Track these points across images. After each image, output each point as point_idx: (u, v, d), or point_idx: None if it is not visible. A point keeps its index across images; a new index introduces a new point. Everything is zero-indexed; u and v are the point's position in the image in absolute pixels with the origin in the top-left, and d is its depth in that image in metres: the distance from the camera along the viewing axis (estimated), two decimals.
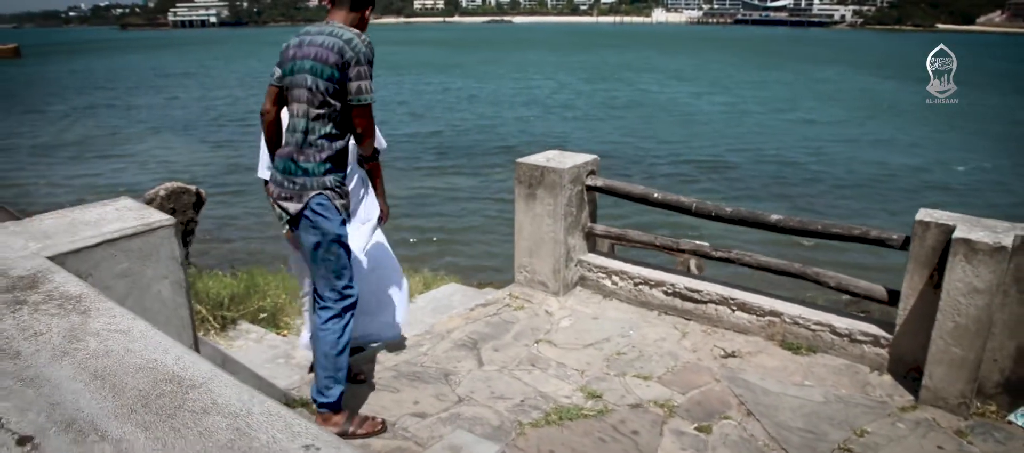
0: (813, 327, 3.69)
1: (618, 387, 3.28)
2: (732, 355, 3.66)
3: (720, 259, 4.08)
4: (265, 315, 4.90)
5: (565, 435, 2.86)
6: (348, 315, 2.81)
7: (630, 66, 47.52)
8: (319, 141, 2.62)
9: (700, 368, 3.51)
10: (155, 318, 1.24)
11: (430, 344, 3.73)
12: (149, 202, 10.04)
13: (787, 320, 3.75)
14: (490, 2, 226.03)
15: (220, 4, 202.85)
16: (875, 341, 3.51)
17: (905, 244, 3.32)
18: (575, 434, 2.87)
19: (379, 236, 3.36)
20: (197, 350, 1.43)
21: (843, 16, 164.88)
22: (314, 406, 2.85)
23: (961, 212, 3.31)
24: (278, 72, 2.72)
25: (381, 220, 3.32)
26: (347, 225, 2.79)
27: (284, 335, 4.80)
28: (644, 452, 2.77)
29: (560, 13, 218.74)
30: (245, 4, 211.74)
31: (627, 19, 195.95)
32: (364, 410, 3.04)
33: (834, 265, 8.76)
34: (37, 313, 0.85)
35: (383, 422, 2.89)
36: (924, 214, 3.27)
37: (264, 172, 2.99)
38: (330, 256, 2.71)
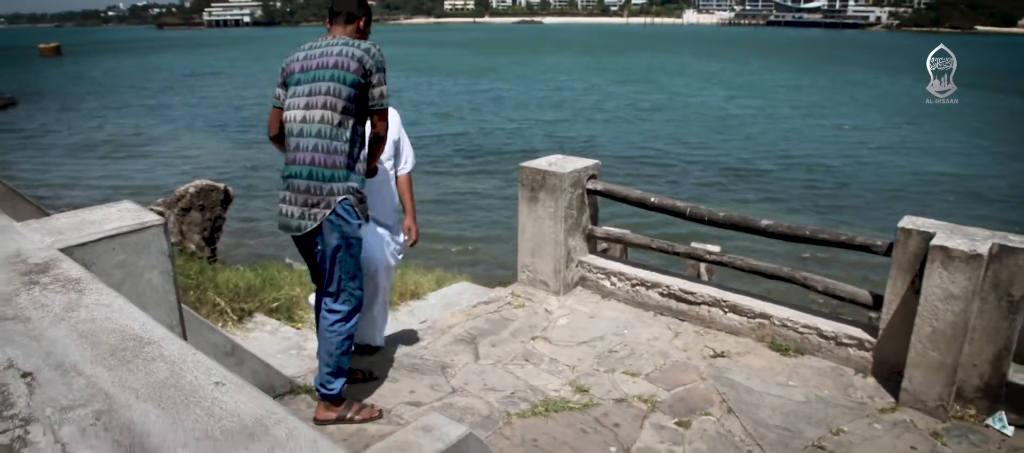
0: (801, 330, 3.80)
1: (606, 383, 3.43)
2: (721, 355, 3.78)
3: (714, 262, 4.21)
4: (278, 306, 5.12)
5: (549, 426, 3.02)
6: (355, 318, 2.99)
7: (662, 68, 47.23)
8: (343, 147, 2.76)
9: (688, 367, 3.64)
10: (147, 300, 1.44)
11: (431, 338, 3.91)
12: (179, 199, 10.42)
13: (776, 322, 3.87)
14: (520, 2, 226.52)
15: (254, 4, 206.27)
16: (860, 344, 3.61)
17: (889, 250, 3.42)
18: (559, 425, 3.03)
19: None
20: (182, 327, 1.64)
21: (879, 18, 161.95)
22: (318, 394, 3.05)
23: (993, 226, 3.37)
24: (280, 93, 2.88)
25: (411, 241, 3.54)
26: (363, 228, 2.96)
27: (298, 328, 5.03)
28: (623, 443, 2.92)
29: (590, 13, 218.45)
30: (278, 4, 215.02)
31: (657, 20, 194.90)
32: (364, 398, 3.24)
33: (845, 265, 8.77)
34: (45, 291, 1.09)
35: (380, 410, 3.08)
36: (907, 221, 3.37)
37: None
38: (349, 258, 2.87)
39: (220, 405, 0.85)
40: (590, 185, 4.49)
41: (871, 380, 3.54)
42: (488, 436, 2.92)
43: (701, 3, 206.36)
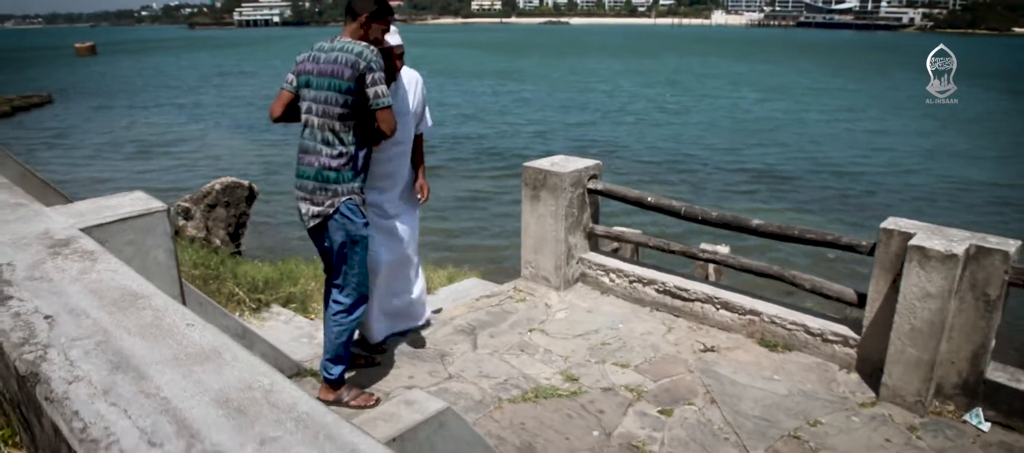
0: (789, 326, 3.92)
1: (595, 373, 3.60)
2: (711, 350, 3.92)
3: (706, 260, 4.35)
4: (294, 298, 5.35)
5: (537, 410, 3.20)
6: (358, 310, 3.19)
7: (690, 70, 46.88)
8: (347, 149, 2.96)
9: (677, 360, 3.79)
10: (152, 273, 1.67)
11: (433, 329, 4.11)
12: (205, 195, 10.76)
13: (766, 319, 4.00)
14: (547, 3, 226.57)
15: (283, 4, 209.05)
16: (845, 341, 3.73)
17: (872, 250, 3.54)
18: (547, 410, 3.20)
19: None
20: (182, 296, 1.86)
21: (912, 19, 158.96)
22: (322, 377, 3.27)
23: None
24: (293, 79, 3.08)
25: (423, 199, 3.70)
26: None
27: (311, 318, 5.25)
28: (605, 428, 3.09)
29: (617, 14, 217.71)
30: (307, 4, 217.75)
31: (685, 21, 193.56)
32: (365, 382, 3.44)
33: (848, 263, 8.69)
34: (66, 260, 1.35)
35: (377, 399, 3.28)
36: (889, 222, 3.49)
37: None
38: (354, 255, 3.05)
39: (188, 339, 1.06)
40: (590, 185, 4.65)
41: (854, 376, 3.66)
42: (478, 418, 3.11)
43: (730, 4, 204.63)
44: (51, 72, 49.90)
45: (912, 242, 3.23)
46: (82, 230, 1.52)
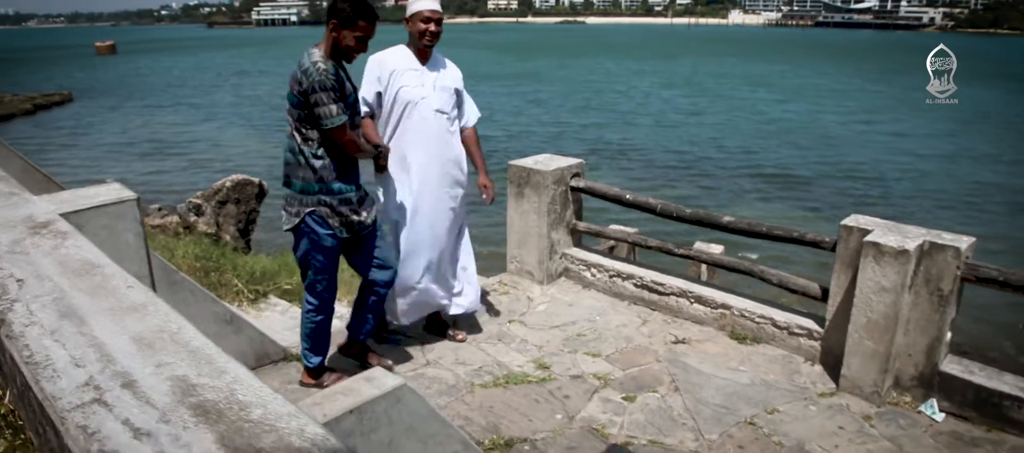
0: (757, 320, 4.07)
1: (567, 361, 3.77)
2: (682, 341, 4.08)
3: (681, 256, 4.50)
4: (291, 289, 5.56)
5: (506, 395, 3.37)
6: (319, 316, 3.27)
7: (707, 71, 46.55)
8: (310, 161, 2.95)
9: (648, 351, 3.95)
10: (123, 253, 1.89)
11: (417, 320, 4.29)
12: (216, 192, 11.03)
13: (736, 313, 4.14)
14: (563, 2, 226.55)
15: (300, 3, 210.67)
16: (809, 334, 3.87)
17: (835, 247, 3.68)
18: (515, 395, 3.38)
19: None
20: (151, 275, 2.06)
21: (932, 19, 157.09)
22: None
23: None
24: None
25: (489, 198, 3.78)
26: (347, 234, 3.13)
27: None
28: (569, 412, 3.26)
29: (634, 13, 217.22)
30: (324, 4, 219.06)
31: (702, 20, 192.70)
32: (346, 369, 3.63)
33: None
34: (42, 238, 1.61)
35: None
36: (850, 219, 3.63)
37: None
38: (315, 263, 3.13)
39: (125, 296, 1.28)
40: (573, 182, 4.82)
41: (818, 368, 3.80)
42: (450, 402, 3.29)
43: (747, 3, 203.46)
44: (72, 71, 50.81)
45: (867, 238, 3.37)
46: (61, 215, 1.74)
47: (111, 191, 2.04)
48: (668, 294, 4.44)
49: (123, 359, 1.06)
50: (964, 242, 3.31)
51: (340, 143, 2.95)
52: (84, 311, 1.23)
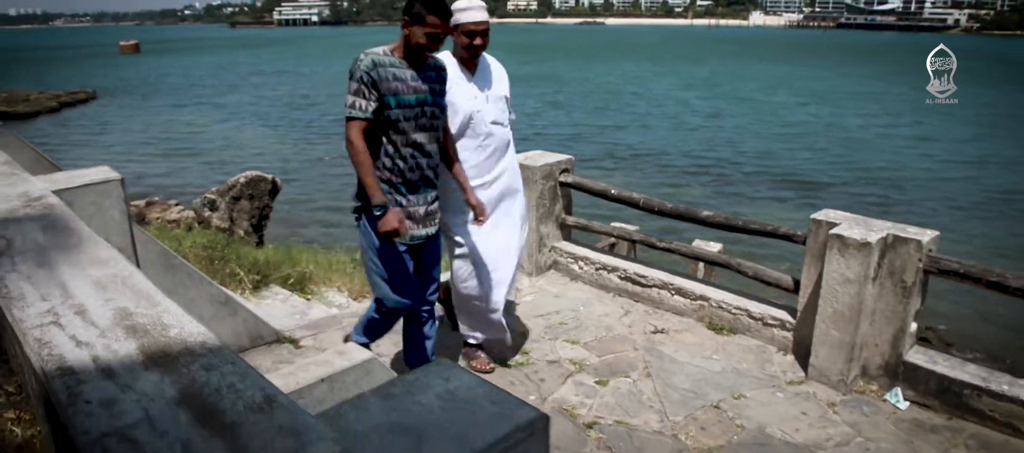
0: (734, 311, 4.20)
1: (546, 348, 3.93)
2: (661, 331, 4.22)
3: (664, 249, 4.64)
4: (294, 279, 5.77)
5: (484, 377, 3.53)
6: (379, 314, 3.17)
7: (729, 73, 46.16)
8: (379, 159, 2.89)
9: (626, 339, 4.09)
10: (109, 227, 2.13)
11: None
12: (231, 188, 11.30)
13: (713, 304, 4.28)
14: (583, 3, 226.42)
15: (322, 4, 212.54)
16: (782, 325, 4.00)
17: (805, 240, 3.80)
18: (492, 377, 3.54)
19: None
20: (133, 246, 2.28)
21: (957, 20, 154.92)
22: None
23: None
24: None
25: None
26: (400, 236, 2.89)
27: (307, 299, 5.67)
28: (543, 394, 3.42)
29: (654, 14, 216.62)
30: (345, 4, 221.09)
31: (723, 22, 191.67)
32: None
33: None
34: (34, 209, 1.86)
35: None
36: (820, 214, 3.75)
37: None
38: (369, 264, 3.04)
39: (93, 253, 1.53)
40: (562, 178, 4.97)
41: (790, 357, 3.93)
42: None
43: (768, 4, 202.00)
44: (97, 70, 51.82)
45: (833, 231, 3.50)
46: (54, 192, 1.98)
47: (99, 173, 2.27)
48: (650, 286, 4.58)
49: (80, 296, 1.31)
50: (927, 235, 3.42)
51: (347, 135, 2.77)
52: (56, 262, 1.49)
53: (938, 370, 3.47)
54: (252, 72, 49.41)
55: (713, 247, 7.83)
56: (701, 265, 7.51)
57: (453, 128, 3.27)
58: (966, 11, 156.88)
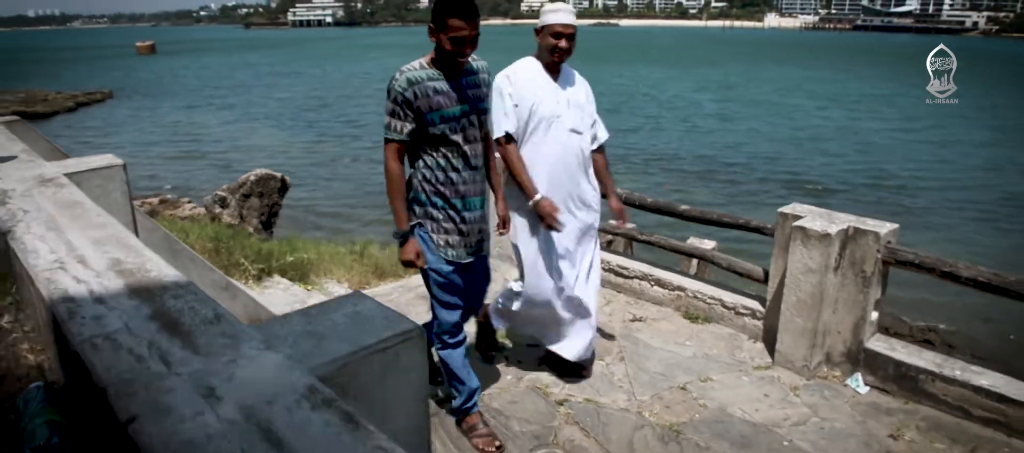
0: (709, 301, 4.40)
1: (527, 334, 4.14)
2: (639, 319, 4.43)
3: (645, 242, 4.85)
4: (296, 270, 6.03)
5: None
6: (437, 339, 3.09)
7: (746, 76, 45.93)
8: (410, 172, 2.82)
9: (605, 326, 4.30)
10: (112, 206, 2.42)
11: (397, 294, 4.72)
12: (241, 186, 11.60)
13: (690, 294, 4.48)
14: (597, 4, 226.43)
15: (336, 5, 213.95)
16: (753, 314, 4.20)
17: (774, 233, 4.00)
18: (473, 358, 3.77)
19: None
20: (134, 223, 2.55)
21: (975, 22, 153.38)
22: None
23: None
24: None
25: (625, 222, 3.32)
26: (454, 253, 2.87)
27: (308, 289, 5.93)
28: (519, 374, 3.64)
29: (668, 16, 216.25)
30: (359, 5, 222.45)
31: (737, 23, 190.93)
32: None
33: None
34: (46, 188, 2.21)
35: (499, 445, 3.07)
36: (788, 207, 3.95)
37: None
38: (431, 285, 2.95)
39: (94, 221, 1.84)
40: None
41: (759, 344, 4.12)
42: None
43: (783, 6, 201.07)
44: (113, 70, 52.66)
45: (796, 223, 3.70)
46: (65, 175, 2.26)
47: (104, 159, 2.56)
48: (632, 277, 4.79)
49: (81, 249, 1.67)
50: (885, 228, 3.61)
51: (385, 156, 2.70)
52: (64, 226, 1.85)
53: (896, 356, 3.66)
54: (266, 73, 50.03)
55: (707, 244, 8.04)
56: (694, 261, 7.73)
57: (530, 132, 3.18)
58: (984, 13, 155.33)
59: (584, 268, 3.46)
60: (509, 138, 3.17)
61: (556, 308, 3.41)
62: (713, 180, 16.79)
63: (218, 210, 10.82)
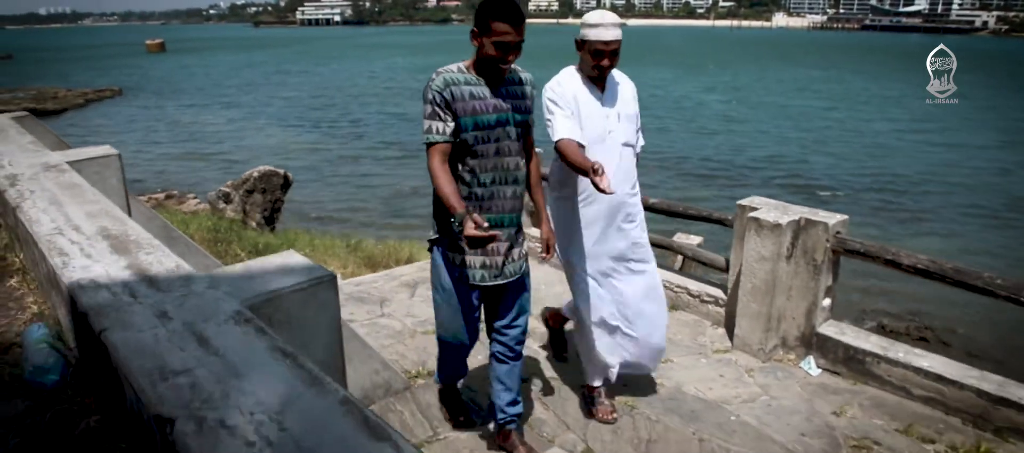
0: (675, 289, 4.65)
1: None
2: None
3: None
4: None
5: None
6: (442, 351, 3.14)
7: (754, 76, 45.85)
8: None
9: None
10: (109, 191, 2.71)
11: (383, 282, 4.99)
12: (244, 182, 11.89)
13: None
14: (605, 4, 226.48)
15: (344, 4, 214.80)
16: (716, 301, 4.44)
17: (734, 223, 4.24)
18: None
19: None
20: (128, 207, 2.84)
21: (985, 22, 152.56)
22: None
23: None
24: None
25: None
26: (471, 272, 2.71)
27: None
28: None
29: (676, 16, 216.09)
30: (367, 3, 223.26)
31: (745, 23, 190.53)
32: None
33: None
34: (50, 173, 2.56)
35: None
36: (746, 200, 4.18)
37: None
38: (438, 302, 2.84)
39: (90, 199, 2.11)
40: None
41: (721, 330, 4.37)
42: (392, 343, 3.96)
43: (791, 5, 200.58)
44: (123, 67, 53.24)
45: (751, 214, 3.93)
46: (67, 162, 2.58)
47: (102, 149, 2.88)
48: None
49: (76, 220, 2.05)
50: (834, 219, 3.85)
51: (428, 166, 2.49)
52: (64, 204, 2.23)
53: (845, 340, 3.89)
54: (273, 71, 50.49)
55: (693, 239, 8.30)
56: (679, 257, 7.97)
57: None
58: (994, 13, 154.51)
59: (640, 286, 3.33)
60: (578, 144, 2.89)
61: (606, 338, 3.38)
62: (715, 180, 16.97)
63: (222, 205, 11.11)
